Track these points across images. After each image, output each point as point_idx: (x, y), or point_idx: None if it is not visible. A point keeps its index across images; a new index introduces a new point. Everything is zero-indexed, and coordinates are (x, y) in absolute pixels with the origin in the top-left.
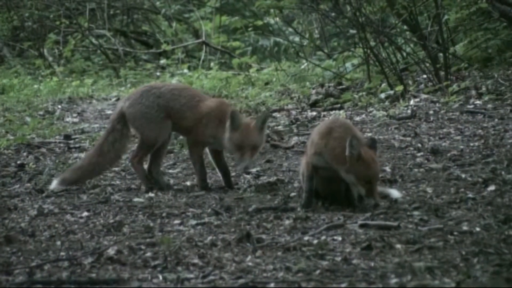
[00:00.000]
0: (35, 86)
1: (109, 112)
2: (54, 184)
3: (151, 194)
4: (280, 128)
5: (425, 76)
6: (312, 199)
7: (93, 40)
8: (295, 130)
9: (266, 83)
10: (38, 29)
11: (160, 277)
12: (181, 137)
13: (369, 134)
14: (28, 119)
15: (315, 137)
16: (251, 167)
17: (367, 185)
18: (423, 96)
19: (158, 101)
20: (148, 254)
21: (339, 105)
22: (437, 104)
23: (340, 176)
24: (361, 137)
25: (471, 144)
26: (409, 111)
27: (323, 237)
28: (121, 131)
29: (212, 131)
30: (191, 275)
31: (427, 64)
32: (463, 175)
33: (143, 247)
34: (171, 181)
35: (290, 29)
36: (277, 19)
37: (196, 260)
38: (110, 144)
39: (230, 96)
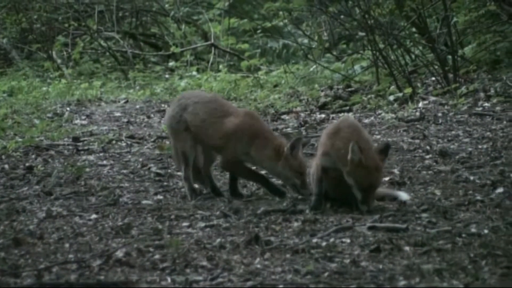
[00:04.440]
0: (44, 88)
1: (117, 114)
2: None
3: (159, 197)
4: (288, 130)
5: (433, 78)
6: (321, 201)
7: (102, 43)
8: (304, 133)
9: (275, 86)
10: (47, 31)
11: (169, 280)
12: None
13: (378, 137)
14: (36, 121)
15: (323, 137)
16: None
17: (363, 192)
18: (432, 98)
19: (181, 113)
20: (157, 256)
21: (348, 108)
22: (446, 107)
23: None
24: (369, 139)
25: (480, 147)
26: (417, 114)
27: (332, 240)
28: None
29: (243, 149)
30: (200, 278)
31: (436, 67)
32: (472, 177)
33: (151, 249)
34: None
35: (299, 32)
36: (286, 21)
37: (204, 263)
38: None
39: (238, 98)
